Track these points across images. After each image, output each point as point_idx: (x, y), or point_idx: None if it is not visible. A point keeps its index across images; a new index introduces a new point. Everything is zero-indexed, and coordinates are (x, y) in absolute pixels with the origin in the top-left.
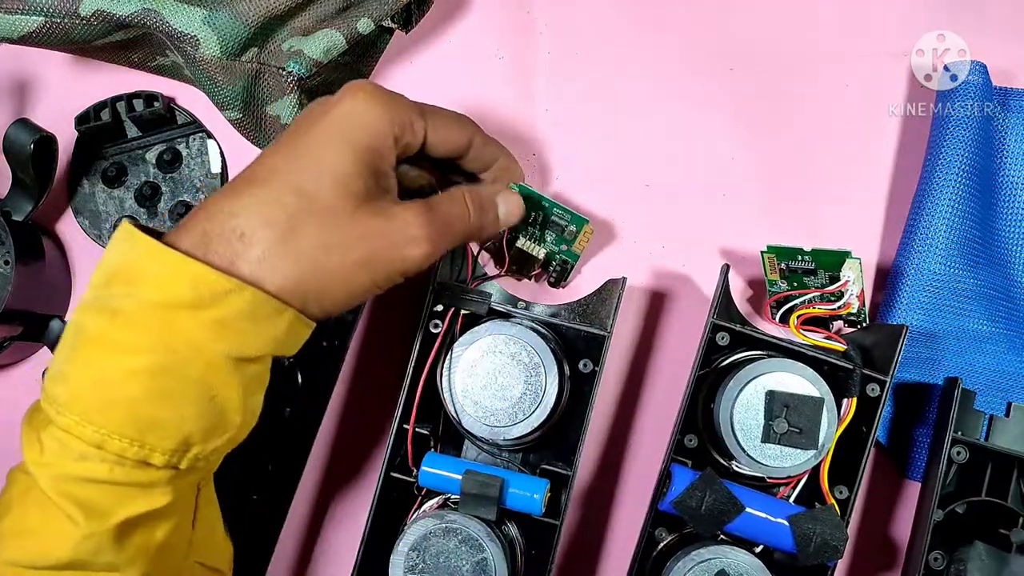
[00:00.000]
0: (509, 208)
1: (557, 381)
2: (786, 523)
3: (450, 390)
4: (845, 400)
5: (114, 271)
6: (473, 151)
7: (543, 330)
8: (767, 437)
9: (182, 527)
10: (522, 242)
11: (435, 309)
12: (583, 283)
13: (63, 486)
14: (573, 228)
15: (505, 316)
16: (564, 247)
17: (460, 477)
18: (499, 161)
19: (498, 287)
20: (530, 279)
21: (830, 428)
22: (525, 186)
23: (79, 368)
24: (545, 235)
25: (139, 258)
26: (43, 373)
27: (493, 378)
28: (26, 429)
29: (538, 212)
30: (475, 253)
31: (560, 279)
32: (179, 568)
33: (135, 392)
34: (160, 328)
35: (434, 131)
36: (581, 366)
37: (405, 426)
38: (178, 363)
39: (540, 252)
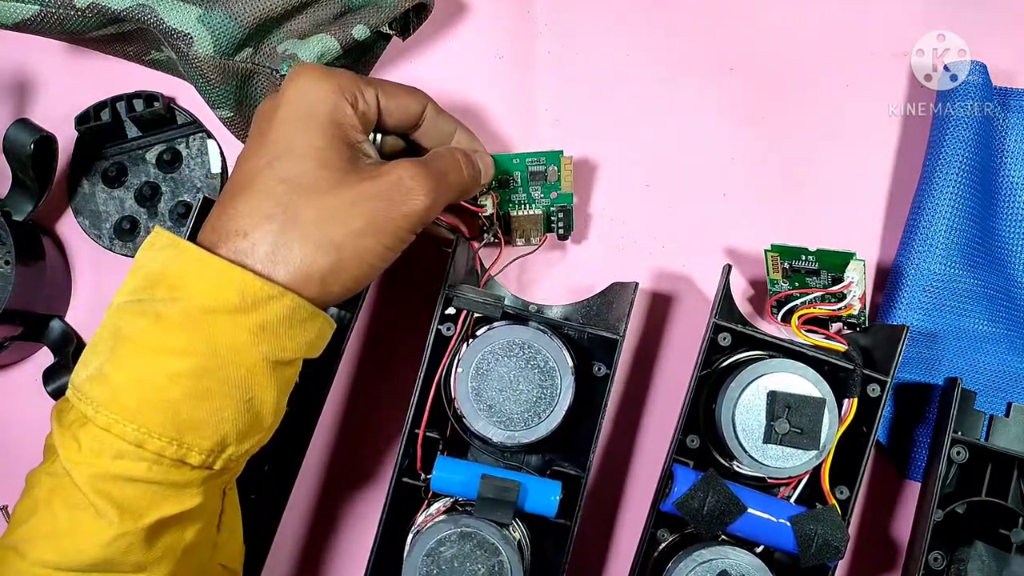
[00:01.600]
0: (485, 163)
1: (572, 385)
2: (788, 524)
3: (464, 394)
4: (846, 400)
5: (157, 276)
6: (428, 121)
7: (556, 333)
8: (768, 438)
9: (208, 529)
10: (515, 210)
11: (447, 312)
12: (588, 282)
13: (100, 484)
14: (554, 168)
15: (517, 319)
16: (554, 194)
17: (477, 481)
18: (457, 135)
19: (507, 290)
20: (540, 245)
21: (831, 429)
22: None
23: (120, 369)
24: (531, 193)
25: (185, 264)
26: (43, 373)
27: (508, 382)
28: (58, 428)
29: (513, 173)
30: (477, 248)
31: (567, 229)
32: (203, 569)
33: (176, 393)
34: (204, 332)
35: (387, 98)
36: (595, 370)
37: (416, 431)
38: (219, 366)
39: (536, 210)
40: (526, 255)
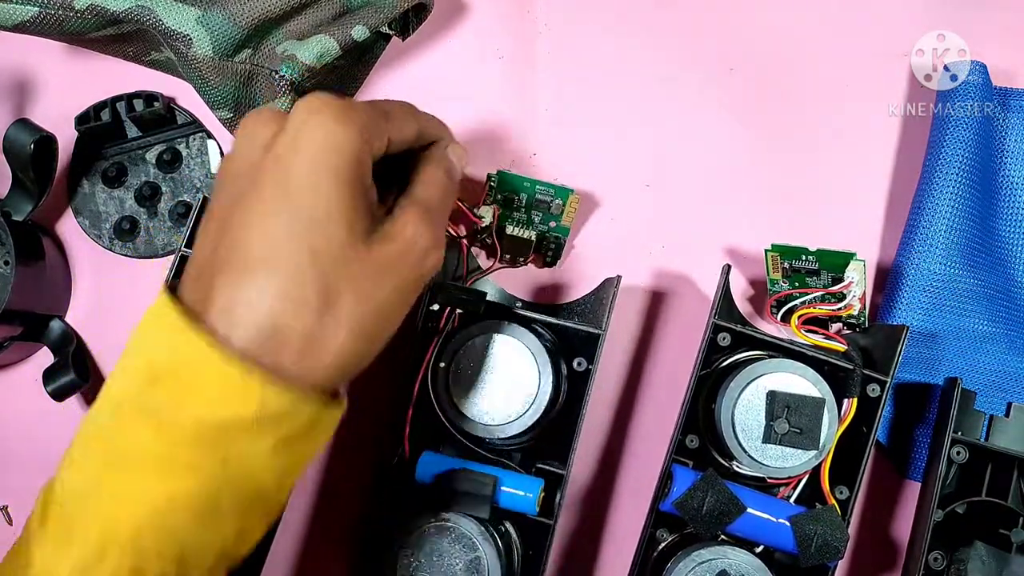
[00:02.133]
0: (459, 158)
1: (552, 380)
2: (787, 524)
3: (445, 389)
4: (845, 400)
5: (163, 370)
6: (420, 136)
7: (539, 329)
8: (768, 438)
9: None
10: (511, 228)
11: (431, 308)
12: (584, 282)
13: None
14: (559, 202)
15: (501, 314)
16: (553, 224)
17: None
18: (443, 141)
19: (495, 285)
20: (525, 264)
21: (831, 428)
22: (505, 171)
23: (115, 483)
24: (532, 216)
25: (195, 364)
26: (43, 374)
27: (488, 376)
28: (39, 530)
29: (520, 194)
30: (468, 248)
31: (555, 258)
32: None
33: (181, 519)
34: (215, 449)
35: (393, 130)
36: (576, 364)
37: (401, 425)
38: (229, 484)
39: (531, 234)
40: (512, 268)
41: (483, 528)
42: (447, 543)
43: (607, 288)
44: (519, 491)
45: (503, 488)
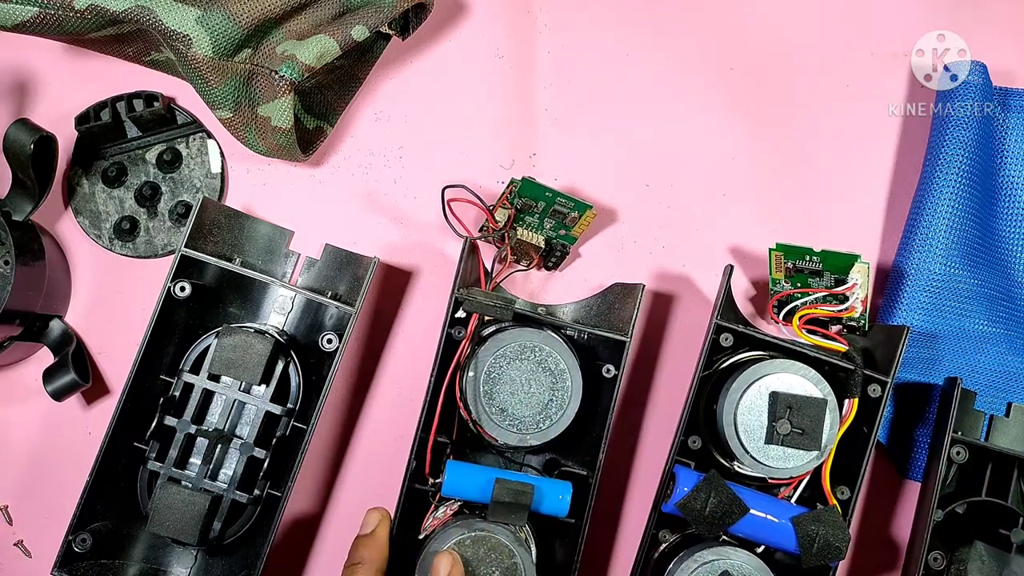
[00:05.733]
0: None
1: (582, 387)
2: (789, 524)
3: (476, 398)
4: (846, 401)
5: None
6: None
7: (565, 335)
8: (770, 438)
9: None
10: (522, 232)
11: (456, 316)
12: (588, 282)
13: None
14: (575, 215)
15: (528, 322)
16: (563, 232)
17: (490, 486)
18: None
19: (504, 289)
20: (528, 268)
21: (832, 429)
22: (529, 178)
23: None
24: (544, 223)
25: None
26: (43, 373)
27: (520, 385)
28: None
29: (538, 202)
30: (489, 268)
31: (556, 264)
32: None
33: None
34: None
35: None
36: (604, 371)
37: (427, 435)
38: None
39: (539, 239)
40: (522, 271)
41: (516, 535)
42: (483, 552)
43: (617, 292)
44: (554, 496)
45: (537, 494)
